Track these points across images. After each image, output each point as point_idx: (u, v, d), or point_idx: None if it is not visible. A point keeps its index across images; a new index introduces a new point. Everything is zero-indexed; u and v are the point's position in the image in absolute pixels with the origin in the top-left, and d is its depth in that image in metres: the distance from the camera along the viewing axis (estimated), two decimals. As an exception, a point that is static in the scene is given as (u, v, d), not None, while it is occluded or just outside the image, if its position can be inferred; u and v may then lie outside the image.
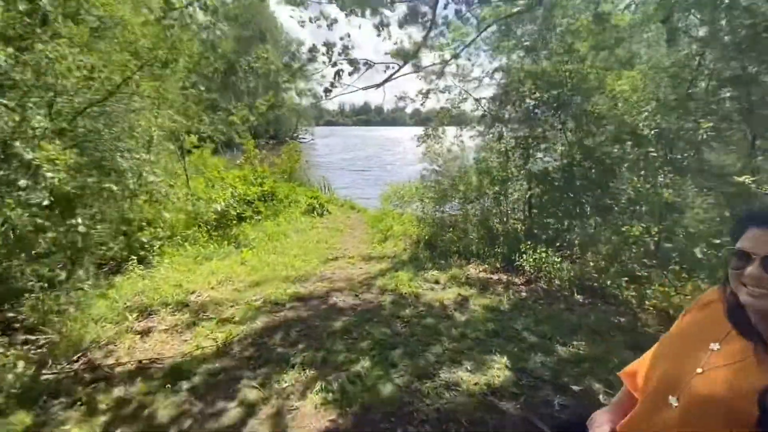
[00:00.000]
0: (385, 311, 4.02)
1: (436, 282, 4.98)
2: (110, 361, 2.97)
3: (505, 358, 3.21)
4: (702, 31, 4.34)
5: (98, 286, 4.42)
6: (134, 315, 3.79)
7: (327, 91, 5.05)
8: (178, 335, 3.46)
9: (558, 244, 5.47)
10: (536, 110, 4.98)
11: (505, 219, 6.37)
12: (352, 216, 10.27)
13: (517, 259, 5.57)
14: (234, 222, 7.33)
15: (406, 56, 4.56)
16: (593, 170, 4.31)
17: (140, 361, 2.95)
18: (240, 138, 9.68)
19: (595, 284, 5.04)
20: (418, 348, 3.33)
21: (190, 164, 7.37)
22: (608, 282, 4.87)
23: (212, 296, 4.43)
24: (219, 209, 6.82)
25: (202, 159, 7.74)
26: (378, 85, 4.97)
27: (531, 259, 5.48)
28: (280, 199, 9.17)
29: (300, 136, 54.66)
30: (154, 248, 5.40)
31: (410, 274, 5.10)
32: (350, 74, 4.67)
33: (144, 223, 5.43)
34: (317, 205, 9.77)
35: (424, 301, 4.38)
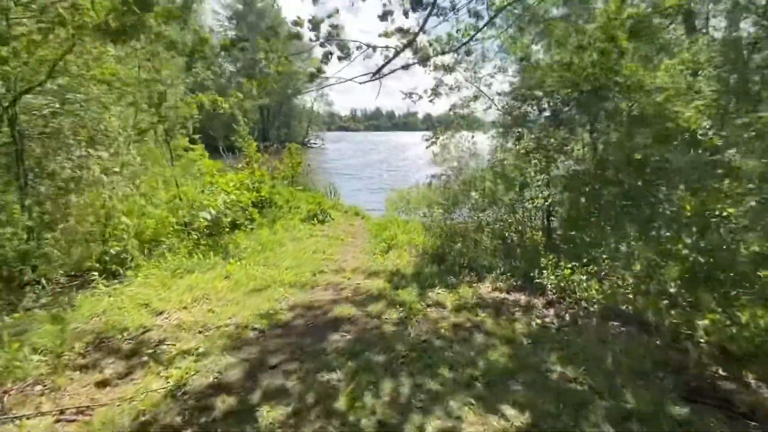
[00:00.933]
0: (377, 345, 3.35)
1: (441, 305, 4.29)
2: (26, 409, 2.38)
3: (526, 413, 2.51)
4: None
5: (58, 305, 3.89)
6: (82, 343, 3.21)
7: (312, 76, 4.44)
8: (126, 373, 2.86)
9: (585, 259, 4.73)
10: (563, 108, 4.28)
11: (522, 229, 5.65)
12: (355, 223, 9.65)
13: (537, 275, 4.85)
14: (226, 230, 6.76)
15: (405, 35, 3.93)
16: (630, 175, 3.59)
17: (63, 411, 2.34)
18: (242, 141, 9.19)
19: (630, 308, 4.31)
20: (413, 398, 2.65)
21: (179, 166, 6.87)
22: (646, 306, 4.14)
23: (181, 319, 3.83)
24: (209, 216, 6.26)
25: (193, 160, 7.23)
26: (374, 74, 4.34)
27: (553, 277, 4.75)
28: (279, 205, 8.60)
29: (311, 141, 54.70)
30: (126, 260, 4.84)
31: (412, 294, 4.42)
32: (341, 59, 4.05)
33: (116, 231, 4.89)
34: (318, 212, 9.17)
35: (427, 329, 3.69)
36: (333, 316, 3.97)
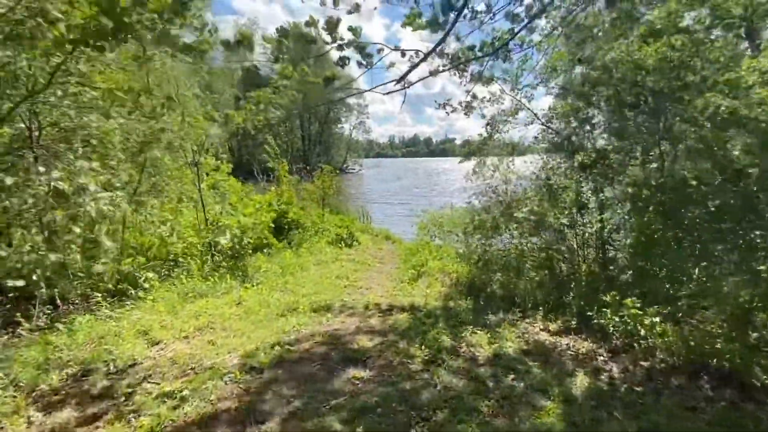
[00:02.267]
0: (394, 400, 2.69)
1: (477, 348, 3.55)
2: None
3: None
4: None
5: (55, 328, 3.62)
6: (62, 375, 2.85)
7: (327, 81, 4.06)
8: (92, 418, 2.42)
9: (659, 296, 3.82)
10: (628, 113, 3.55)
11: (574, 258, 4.81)
12: (384, 247, 9.10)
13: (595, 315, 4.00)
14: (248, 252, 6.46)
15: (435, 25, 3.43)
16: (725, 189, 2.77)
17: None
18: (273, 162, 9.11)
19: (726, 363, 3.34)
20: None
21: (205, 186, 6.75)
22: (748, 361, 3.18)
23: (177, 351, 3.40)
24: (227, 238, 6.00)
25: (219, 181, 7.12)
26: (398, 80, 3.88)
27: (616, 318, 3.87)
28: (306, 227, 8.28)
29: (348, 167, 55.78)
30: (138, 280, 4.59)
31: (442, 333, 3.73)
32: (360, 65, 3.63)
33: (132, 250, 4.68)
34: (346, 235, 8.74)
35: (457, 379, 2.98)
36: (347, 355, 3.36)
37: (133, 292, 4.52)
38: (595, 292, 4.33)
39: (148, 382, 2.83)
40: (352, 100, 55.20)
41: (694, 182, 2.87)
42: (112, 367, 3.02)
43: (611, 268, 4.74)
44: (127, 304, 4.31)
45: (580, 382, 3.04)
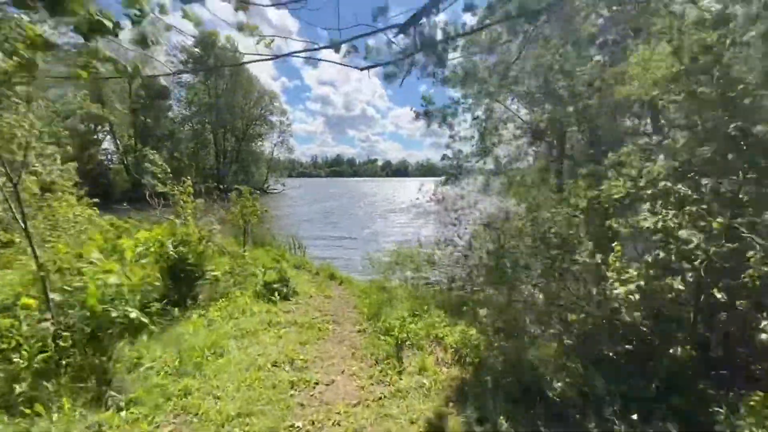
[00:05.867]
0: None
1: None
2: None
3: None
4: None
5: None
6: None
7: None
8: None
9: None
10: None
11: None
12: (333, 293, 6.93)
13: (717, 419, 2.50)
14: (117, 332, 3.82)
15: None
16: None
17: None
18: (161, 185, 6.37)
19: None
20: None
21: (41, 218, 4.02)
22: None
23: None
24: (77, 317, 3.36)
25: (70, 210, 4.43)
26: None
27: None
28: (216, 275, 5.73)
29: (270, 187, 51.50)
30: None
31: None
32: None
33: None
34: (279, 280, 6.38)
35: None
36: None
37: None
38: (691, 379, 2.86)
39: None
40: (274, 117, 51.77)
41: None
42: None
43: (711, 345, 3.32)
44: None
45: None
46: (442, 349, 4.30)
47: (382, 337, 4.57)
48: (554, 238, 3.59)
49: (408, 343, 4.38)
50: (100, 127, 32.92)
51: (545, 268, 3.61)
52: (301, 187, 62.66)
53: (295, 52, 2.52)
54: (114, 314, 3.84)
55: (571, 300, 3.55)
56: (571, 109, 4.08)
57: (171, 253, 4.91)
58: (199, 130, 44.55)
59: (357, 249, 16.22)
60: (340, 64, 3.26)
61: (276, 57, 2.52)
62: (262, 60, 2.46)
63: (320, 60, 3.08)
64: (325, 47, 2.78)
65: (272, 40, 3.00)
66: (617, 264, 2.80)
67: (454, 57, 4.74)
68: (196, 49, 41.84)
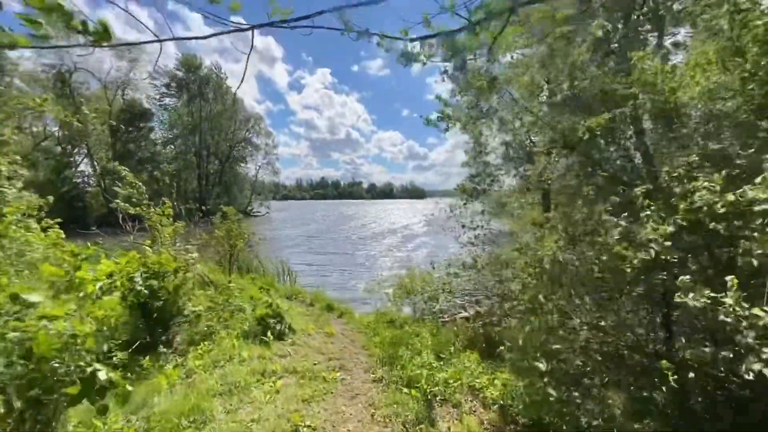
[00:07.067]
0: None
1: None
2: None
3: None
4: None
5: None
6: None
7: None
8: None
9: None
10: None
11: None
12: (335, 329, 6.02)
13: None
14: (61, 398, 2.86)
15: None
16: None
17: None
18: (130, 204, 5.45)
19: None
20: None
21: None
22: None
23: None
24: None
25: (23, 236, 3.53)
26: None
27: None
28: (197, 312, 4.78)
29: (254, 210, 50.05)
30: None
31: None
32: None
33: None
34: (272, 315, 5.44)
35: None
36: None
37: None
38: None
39: None
40: (259, 139, 50.97)
41: None
42: None
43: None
44: None
45: None
46: (482, 404, 3.48)
47: (405, 390, 3.71)
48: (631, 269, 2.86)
49: (439, 398, 3.54)
50: (77, 150, 31.45)
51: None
52: (286, 210, 61.39)
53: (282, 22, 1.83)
54: (62, 370, 2.89)
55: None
56: (618, 111, 3.50)
57: (140, 288, 3.98)
58: (182, 152, 43.28)
59: (350, 273, 15.31)
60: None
61: (256, 26, 1.82)
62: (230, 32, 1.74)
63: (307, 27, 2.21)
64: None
65: None
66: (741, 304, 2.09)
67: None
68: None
